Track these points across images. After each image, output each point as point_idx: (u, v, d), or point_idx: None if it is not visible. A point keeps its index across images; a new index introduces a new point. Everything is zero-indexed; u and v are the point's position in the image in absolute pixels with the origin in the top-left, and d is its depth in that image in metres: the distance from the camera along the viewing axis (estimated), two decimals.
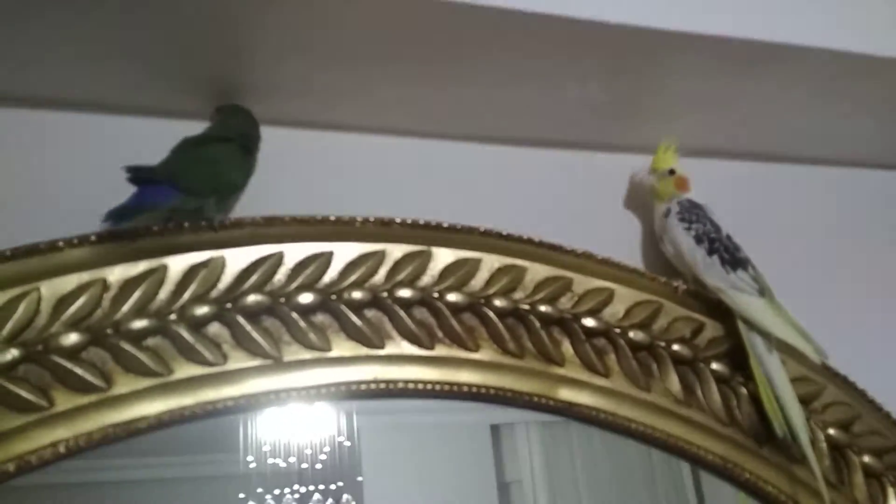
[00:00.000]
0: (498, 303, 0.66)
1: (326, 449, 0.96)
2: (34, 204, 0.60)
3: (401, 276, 0.64)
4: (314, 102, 0.69)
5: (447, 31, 0.63)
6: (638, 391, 0.67)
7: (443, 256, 0.66)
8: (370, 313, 0.63)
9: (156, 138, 0.58)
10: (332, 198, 0.67)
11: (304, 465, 0.96)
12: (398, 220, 0.65)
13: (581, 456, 0.97)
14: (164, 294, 0.57)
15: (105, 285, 0.56)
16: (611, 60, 0.69)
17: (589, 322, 0.68)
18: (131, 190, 0.54)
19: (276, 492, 0.93)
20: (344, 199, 0.67)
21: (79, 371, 0.53)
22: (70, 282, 0.55)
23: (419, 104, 0.72)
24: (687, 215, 0.73)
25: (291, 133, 0.70)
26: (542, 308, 0.67)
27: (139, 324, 0.55)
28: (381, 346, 0.62)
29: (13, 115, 0.63)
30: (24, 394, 0.52)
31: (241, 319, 0.58)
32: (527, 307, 0.67)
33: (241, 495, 0.89)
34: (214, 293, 0.58)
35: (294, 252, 0.62)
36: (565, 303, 0.68)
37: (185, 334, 0.56)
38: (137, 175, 0.54)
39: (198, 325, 0.57)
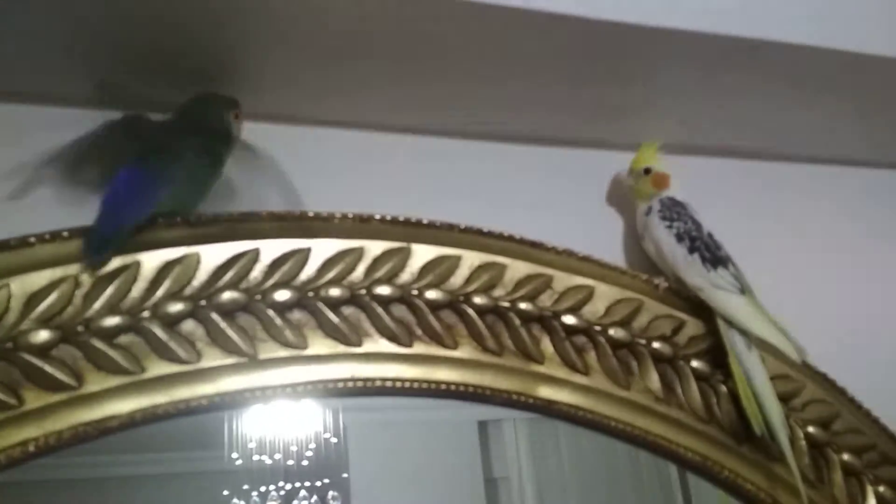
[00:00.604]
0: (478, 300, 0.65)
1: (312, 446, 0.97)
2: (4, 199, 0.59)
3: (379, 273, 0.63)
4: (293, 98, 0.69)
5: (430, 27, 0.62)
6: (618, 389, 0.67)
7: (422, 253, 0.65)
8: (348, 311, 0.62)
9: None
10: (310, 193, 0.66)
11: (290, 462, 0.96)
12: (377, 217, 0.65)
13: (568, 452, 0.97)
14: (136, 291, 0.56)
15: (77, 282, 0.55)
16: (595, 57, 0.69)
17: (569, 320, 0.68)
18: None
19: (262, 489, 0.93)
20: (322, 195, 0.66)
21: (49, 369, 0.52)
22: (41, 278, 0.54)
23: (400, 100, 0.72)
24: (668, 213, 0.72)
25: (270, 128, 0.69)
26: (522, 305, 0.67)
27: (111, 321, 0.55)
28: (359, 344, 0.61)
29: None
30: None
31: (215, 317, 0.58)
32: (507, 304, 0.66)
33: (226, 492, 0.90)
34: (188, 290, 0.58)
35: (271, 248, 0.61)
36: (545, 300, 0.68)
37: (159, 332, 0.56)
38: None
39: (171, 323, 0.56)
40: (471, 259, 0.67)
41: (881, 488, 0.72)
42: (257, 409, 0.91)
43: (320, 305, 0.61)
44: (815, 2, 0.70)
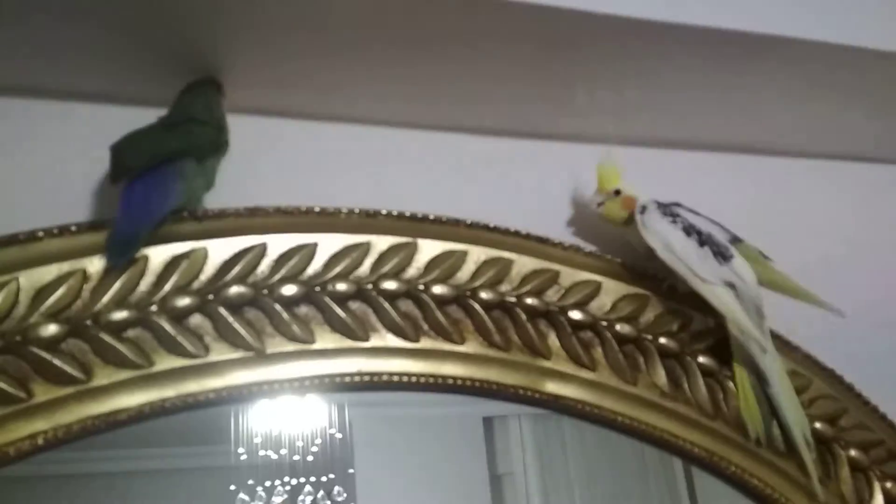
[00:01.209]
0: (484, 295, 0.65)
1: (318, 441, 0.97)
2: (12, 193, 0.60)
3: (386, 268, 0.63)
4: (299, 92, 0.69)
5: (434, 21, 0.62)
6: (624, 384, 0.67)
7: (429, 248, 0.65)
8: (355, 305, 0.62)
9: (123, 126, 0.57)
10: (316, 189, 0.67)
11: (296, 457, 0.96)
12: (384, 212, 0.65)
13: (573, 448, 0.97)
14: (144, 285, 0.56)
15: (85, 276, 0.55)
16: (600, 52, 0.68)
17: (575, 315, 0.68)
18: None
19: (268, 484, 0.94)
20: (329, 190, 0.67)
21: (58, 362, 0.53)
22: (49, 272, 0.54)
23: (408, 95, 0.71)
24: (667, 210, 0.69)
25: (277, 123, 0.69)
26: (529, 301, 0.67)
27: (119, 315, 0.55)
28: (366, 339, 0.61)
29: None
30: (2, 385, 0.51)
31: (223, 311, 0.58)
32: (513, 300, 0.66)
33: (233, 487, 0.90)
34: (196, 284, 0.58)
35: (278, 243, 0.61)
36: (552, 295, 0.68)
37: (167, 326, 0.56)
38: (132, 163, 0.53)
39: (179, 317, 0.57)
40: (477, 254, 0.67)
41: (888, 484, 0.72)
42: (263, 404, 0.91)
43: (327, 300, 0.61)
44: None
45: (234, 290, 0.58)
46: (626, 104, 0.77)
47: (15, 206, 0.58)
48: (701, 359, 0.70)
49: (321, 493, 0.95)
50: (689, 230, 0.69)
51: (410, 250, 0.65)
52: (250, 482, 0.93)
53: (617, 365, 0.67)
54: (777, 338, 0.71)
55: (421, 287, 0.64)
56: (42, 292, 0.54)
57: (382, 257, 0.64)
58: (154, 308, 0.56)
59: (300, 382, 0.59)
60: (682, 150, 0.80)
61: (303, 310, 0.61)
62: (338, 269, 0.62)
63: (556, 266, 0.69)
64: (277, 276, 0.60)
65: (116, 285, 0.55)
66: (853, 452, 0.71)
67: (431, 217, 0.66)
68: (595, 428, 0.68)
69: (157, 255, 0.57)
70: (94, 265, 0.55)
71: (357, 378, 0.60)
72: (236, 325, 0.58)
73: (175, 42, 0.61)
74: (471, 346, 0.64)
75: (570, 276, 0.69)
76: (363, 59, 0.66)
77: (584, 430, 0.82)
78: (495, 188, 0.75)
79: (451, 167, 0.74)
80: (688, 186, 0.75)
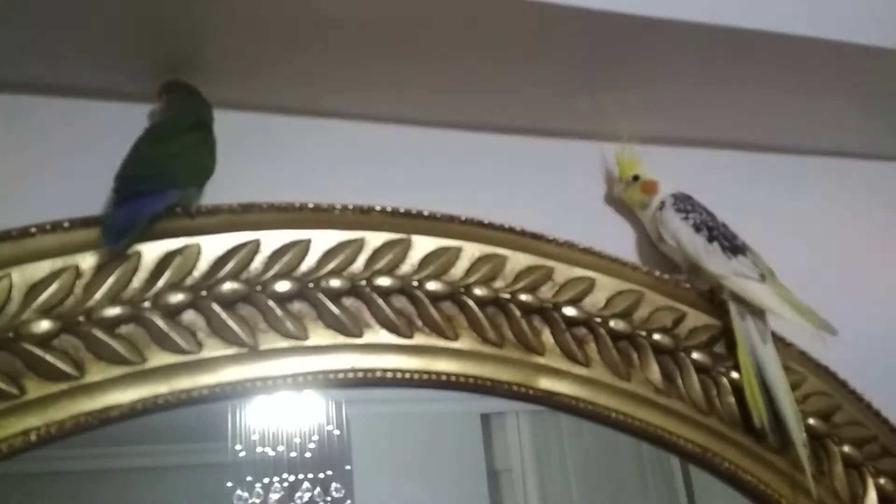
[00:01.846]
0: (478, 291, 0.65)
1: (315, 438, 0.97)
2: (5, 189, 0.59)
3: (380, 265, 0.63)
4: (294, 89, 0.69)
5: (426, 15, 0.62)
6: (618, 380, 0.67)
7: (423, 245, 0.65)
8: (348, 301, 0.62)
9: (113, 122, 0.58)
10: (310, 185, 0.66)
11: (294, 454, 0.96)
12: (378, 208, 0.65)
13: (570, 444, 0.97)
14: (137, 281, 0.56)
15: (78, 272, 0.55)
16: (596, 48, 0.69)
17: (569, 311, 0.68)
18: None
19: (265, 480, 0.94)
20: (323, 187, 0.67)
21: (50, 359, 0.53)
22: (42, 268, 0.54)
23: (401, 91, 0.71)
24: (682, 205, 0.72)
25: (271, 119, 0.69)
26: (523, 297, 0.67)
27: (112, 311, 0.55)
28: (360, 335, 0.62)
29: None
30: None
31: (216, 307, 0.58)
32: (507, 296, 0.66)
33: (230, 484, 0.90)
34: (189, 281, 0.58)
35: (271, 239, 0.61)
36: (546, 292, 0.68)
37: (159, 322, 0.56)
38: (132, 189, 0.54)
39: (172, 313, 0.57)
40: (471, 250, 0.67)
41: (882, 480, 0.72)
42: (260, 401, 0.91)
43: (321, 296, 0.61)
44: None
45: (228, 286, 0.59)
46: (619, 102, 0.76)
47: (7, 202, 0.58)
48: (695, 355, 0.70)
49: (318, 489, 0.95)
50: (700, 226, 0.71)
51: (404, 246, 0.65)
52: (248, 479, 0.93)
53: (611, 361, 0.68)
54: (772, 332, 0.71)
55: (415, 283, 0.64)
56: (34, 288, 0.54)
57: (376, 253, 0.64)
58: (147, 304, 0.56)
59: (294, 379, 0.59)
60: (678, 147, 0.80)
61: (296, 306, 0.61)
62: (331, 266, 0.62)
63: (550, 262, 0.69)
64: (271, 273, 0.60)
65: (109, 281, 0.55)
66: (847, 448, 0.72)
67: (425, 213, 0.66)
68: (592, 424, 0.68)
69: (150, 251, 0.57)
70: (87, 261, 0.56)
71: (351, 374, 0.60)
72: (229, 322, 0.58)
73: (165, 39, 0.61)
74: (465, 343, 0.64)
75: (564, 272, 0.69)
76: (357, 57, 0.66)
77: (582, 426, 0.82)
78: (489, 185, 0.75)
79: (445, 164, 0.74)
80: (682, 183, 0.76)
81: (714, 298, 0.72)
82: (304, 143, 0.70)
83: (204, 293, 0.58)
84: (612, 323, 0.68)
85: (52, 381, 0.53)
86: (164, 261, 0.58)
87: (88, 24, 0.58)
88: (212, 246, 0.59)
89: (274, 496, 0.93)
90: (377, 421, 0.94)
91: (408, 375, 0.62)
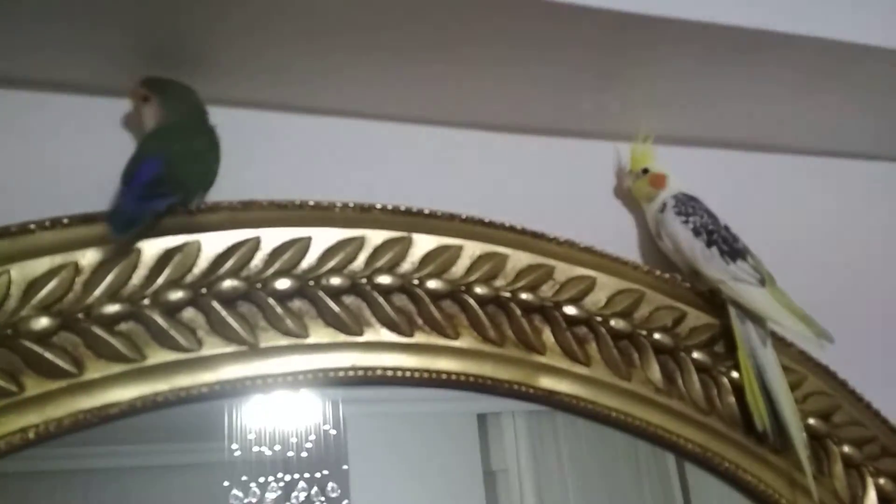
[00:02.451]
0: (479, 290, 0.65)
1: (312, 437, 0.96)
2: (3, 185, 0.59)
3: (380, 263, 0.63)
4: (295, 85, 0.69)
5: (427, 13, 0.62)
6: (618, 380, 0.67)
7: (423, 243, 0.65)
8: (349, 300, 0.62)
9: (113, 118, 0.57)
10: (311, 182, 0.66)
11: (290, 454, 0.96)
12: (378, 206, 0.64)
13: (567, 445, 0.97)
14: (137, 279, 0.56)
15: (77, 269, 0.55)
16: (597, 47, 0.68)
17: (570, 310, 0.67)
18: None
19: (261, 480, 0.93)
20: (323, 184, 0.66)
21: (49, 356, 0.52)
22: (41, 265, 0.54)
23: (403, 89, 0.71)
24: (683, 208, 0.72)
25: (272, 116, 0.69)
26: (524, 296, 0.66)
27: (111, 308, 0.54)
28: (360, 333, 0.61)
29: None
30: None
31: (216, 305, 0.58)
32: (508, 295, 0.66)
33: (226, 483, 0.89)
34: (189, 278, 0.57)
35: (271, 237, 0.61)
36: (547, 291, 0.68)
37: (159, 319, 0.56)
38: (152, 192, 0.54)
39: (172, 311, 0.56)
40: (472, 249, 0.67)
41: (881, 480, 0.72)
42: (257, 400, 0.91)
43: (321, 294, 0.61)
44: None
45: (228, 283, 0.58)
46: (620, 101, 0.76)
47: (6, 198, 0.58)
48: (695, 354, 0.70)
49: (315, 489, 0.94)
50: (700, 230, 0.71)
51: (405, 245, 0.64)
52: (244, 478, 0.92)
53: (611, 360, 0.67)
54: (771, 333, 0.71)
55: (415, 282, 0.64)
56: (34, 285, 0.53)
57: (377, 252, 0.63)
58: (147, 301, 0.56)
59: (294, 377, 0.59)
60: (681, 147, 0.80)
61: (296, 304, 0.60)
62: (332, 264, 0.62)
63: (551, 261, 0.69)
64: (271, 270, 0.60)
65: (109, 278, 0.55)
66: (846, 449, 0.72)
67: (426, 211, 0.66)
68: (589, 424, 0.68)
69: (150, 248, 0.57)
70: (87, 258, 0.55)
71: (351, 373, 0.60)
72: (229, 319, 0.58)
73: (166, 35, 0.61)
74: (465, 341, 0.64)
75: (565, 271, 0.69)
76: (358, 54, 0.66)
77: (578, 426, 0.82)
78: (491, 183, 0.74)
79: (446, 162, 0.74)
80: (684, 182, 0.76)
81: (715, 298, 0.72)
82: (304, 140, 0.69)
83: (204, 290, 0.58)
84: (612, 322, 0.68)
85: (51, 379, 0.52)
86: (164, 258, 0.57)
87: (86, 18, 0.58)
88: (212, 243, 0.59)
89: (270, 496, 0.92)
90: (374, 421, 0.94)
91: (408, 374, 0.62)
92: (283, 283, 0.60)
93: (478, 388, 0.64)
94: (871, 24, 0.72)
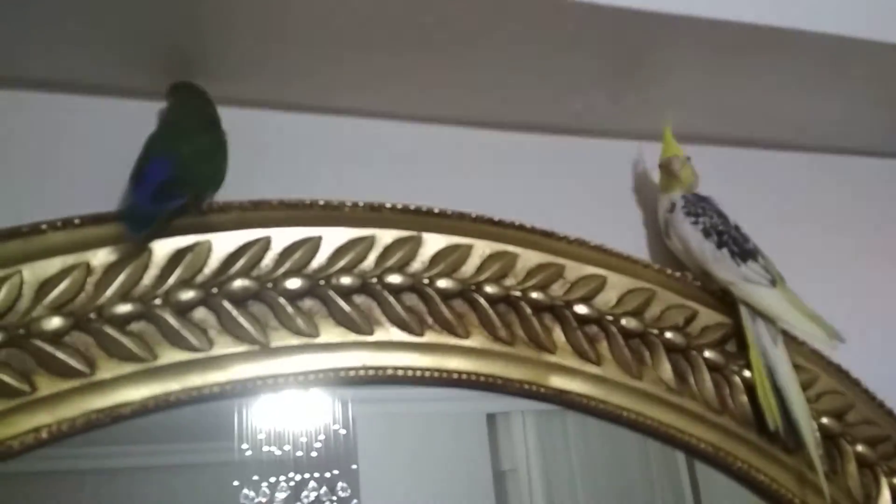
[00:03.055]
0: (489, 289, 0.65)
1: (322, 437, 0.96)
2: (15, 186, 0.59)
3: (390, 262, 0.63)
4: (305, 86, 0.69)
5: (438, 13, 0.62)
6: (630, 379, 0.67)
7: (433, 242, 0.65)
8: (359, 299, 0.62)
9: (124, 119, 0.57)
10: (321, 182, 0.66)
11: (300, 453, 0.95)
12: (388, 205, 0.64)
13: (577, 444, 0.97)
14: (148, 279, 0.56)
15: (88, 269, 0.55)
16: (605, 45, 0.68)
17: (581, 309, 0.67)
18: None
19: (272, 479, 0.93)
20: (333, 184, 0.66)
21: (61, 356, 0.52)
22: (53, 265, 0.54)
23: (412, 88, 0.71)
24: (693, 209, 0.71)
25: (282, 116, 0.69)
26: (534, 295, 0.66)
27: (123, 308, 0.55)
28: (370, 333, 0.61)
29: None
30: (5, 378, 0.51)
31: (227, 304, 0.58)
32: (518, 294, 0.66)
33: (236, 483, 0.89)
34: (200, 278, 0.58)
35: (282, 237, 0.61)
36: (557, 290, 0.67)
37: (171, 319, 0.56)
38: (165, 194, 0.53)
39: (183, 310, 0.56)
40: (482, 248, 0.66)
41: (895, 480, 0.71)
42: (267, 400, 0.91)
43: (331, 294, 0.61)
44: None
45: (239, 283, 0.58)
46: (634, 97, 0.76)
47: (18, 198, 0.58)
48: (707, 353, 0.69)
49: (325, 488, 0.94)
50: (710, 231, 0.70)
51: (415, 244, 0.64)
52: (254, 478, 0.92)
53: (622, 359, 0.67)
54: (783, 332, 0.70)
55: (426, 281, 0.64)
56: (45, 285, 0.54)
57: (387, 251, 0.63)
58: (158, 301, 0.56)
59: (304, 376, 0.59)
60: (694, 145, 0.79)
61: (307, 303, 0.60)
62: (342, 263, 0.62)
63: (561, 260, 0.68)
64: (282, 270, 0.60)
65: (120, 278, 0.55)
66: (860, 448, 0.71)
67: (436, 210, 0.66)
68: (598, 424, 0.67)
69: (161, 248, 0.57)
70: (98, 258, 0.55)
71: (361, 372, 0.60)
72: (240, 319, 0.58)
73: (175, 36, 0.61)
74: (476, 341, 0.64)
75: (575, 270, 0.69)
76: (369, 54, 0.66)
77: (588, 426, 0.81)
78: (500, 182, 0.74)
79: (456, 161, 0.74)
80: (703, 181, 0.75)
81: (726, 297, 0.72)
82: (314, 140, 0.69)
83: (215, 290, 0.58)
84: (623, 321, 0.68)
85: (63, 378, 0.52)
86: (175, 258, 0.57)
87: (98, 20, 0.58)
88: (222, 243, 0.59)
89: (280, 495, 0.92)
90: (383, 421, 0.94)
91: (419, 373, 0.62)
92: (293, 283, 0.60)
93: (488, 388, 0.64)
94: (876, 19, 0.71)
